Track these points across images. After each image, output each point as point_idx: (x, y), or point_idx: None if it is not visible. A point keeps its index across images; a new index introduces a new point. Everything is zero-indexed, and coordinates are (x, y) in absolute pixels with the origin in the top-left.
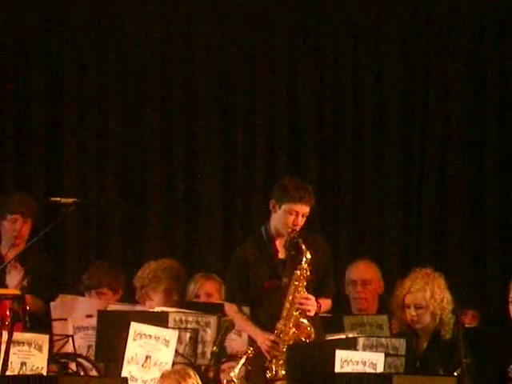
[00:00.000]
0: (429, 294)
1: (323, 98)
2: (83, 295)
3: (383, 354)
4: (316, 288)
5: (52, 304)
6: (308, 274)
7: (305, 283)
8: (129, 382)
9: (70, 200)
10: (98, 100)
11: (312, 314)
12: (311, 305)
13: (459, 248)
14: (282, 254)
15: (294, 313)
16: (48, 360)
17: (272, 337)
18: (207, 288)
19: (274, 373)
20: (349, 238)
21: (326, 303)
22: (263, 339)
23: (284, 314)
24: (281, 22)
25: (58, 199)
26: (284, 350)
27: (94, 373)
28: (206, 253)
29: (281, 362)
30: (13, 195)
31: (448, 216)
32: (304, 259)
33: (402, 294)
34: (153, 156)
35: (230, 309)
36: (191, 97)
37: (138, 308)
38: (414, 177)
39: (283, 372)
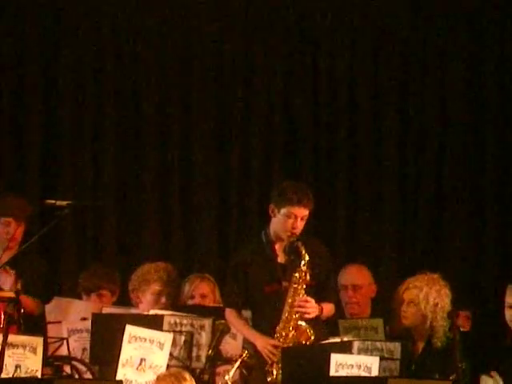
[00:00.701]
0: (423, 294)
1: (319, 101)
2: (80, 297)
3: (378, 358)
4: (317, 293)
5: (47, 307)
6: (307, 277)
7: (304, 286)
8: None
9: (65, 203)
10: (94, 101)
11: (311, 316)
12: (310, 307)
13: (456, 251)
14: (281, 259)
15: (294, 316)
16: (42, 363)
17: (273, 341)
18: (202, 289)
19: (274, 377)
20: (344, 243)
21: (329, 308)
22: (265, 344)
23: (284, 317)
24: (276, 20)
25: (53, 202)
26: None
27: (88, 376)
28: (201, 255)
29: (281, 365)
30: (6, 197)
31: (445, 218)
32: (303, 262)
33: (402, 290)
34: (149, 158)
35: (230, 314)
36: (188, 96)
37: (133, 311)
38: (410, 180)
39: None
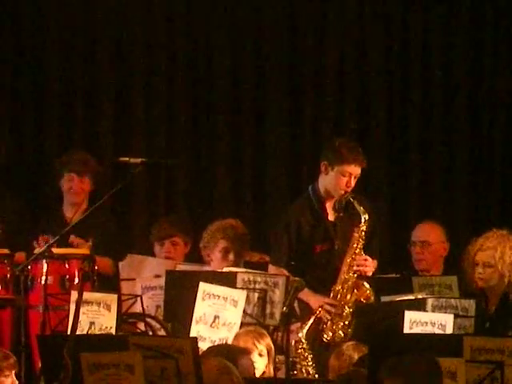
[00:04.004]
0: (499, 254)
1: (391, 59)
2: (152, 248)
3: (452, 315)
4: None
5: (120, 264)
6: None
7: (362, 245)
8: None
9: (139, 160)
10: (166, 59)
11: (370, 274)
12: (369, 266)
13: None
14: (331, 216)
15: (351, 274)
16: (117, 320)
17: (328, 299)
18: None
19: (331, 335)
20: (418, 201)
21: (375, 265)
22: (320, 302)
23: (341, 277)
24: None
25: (127, 159)
26: (343, 312)
27: (162, 333)
28: (272, 213)
29: (340, 324)
30: (68, 154)
31: None
32: (363, 220)
33: (473, 252)
34: (221, 116)
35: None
36: (260, 59)
37: (206, 268)
38: (483, 139)
39: (342, 334)
